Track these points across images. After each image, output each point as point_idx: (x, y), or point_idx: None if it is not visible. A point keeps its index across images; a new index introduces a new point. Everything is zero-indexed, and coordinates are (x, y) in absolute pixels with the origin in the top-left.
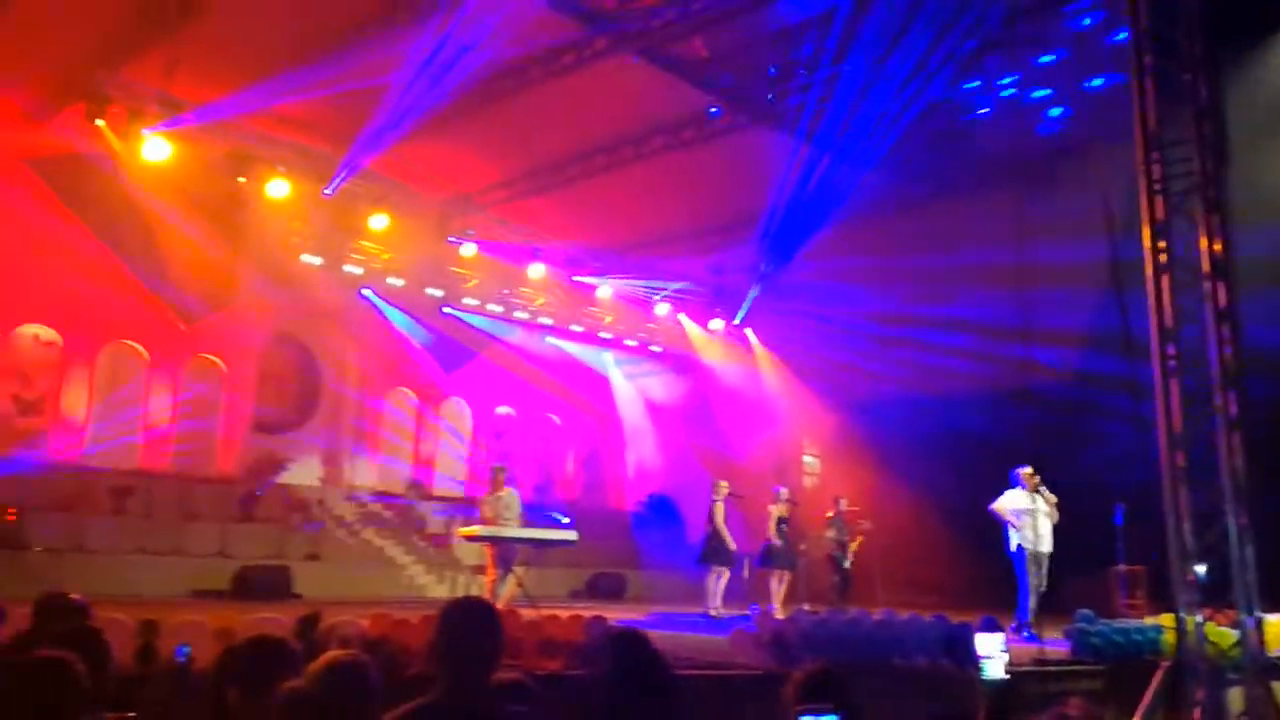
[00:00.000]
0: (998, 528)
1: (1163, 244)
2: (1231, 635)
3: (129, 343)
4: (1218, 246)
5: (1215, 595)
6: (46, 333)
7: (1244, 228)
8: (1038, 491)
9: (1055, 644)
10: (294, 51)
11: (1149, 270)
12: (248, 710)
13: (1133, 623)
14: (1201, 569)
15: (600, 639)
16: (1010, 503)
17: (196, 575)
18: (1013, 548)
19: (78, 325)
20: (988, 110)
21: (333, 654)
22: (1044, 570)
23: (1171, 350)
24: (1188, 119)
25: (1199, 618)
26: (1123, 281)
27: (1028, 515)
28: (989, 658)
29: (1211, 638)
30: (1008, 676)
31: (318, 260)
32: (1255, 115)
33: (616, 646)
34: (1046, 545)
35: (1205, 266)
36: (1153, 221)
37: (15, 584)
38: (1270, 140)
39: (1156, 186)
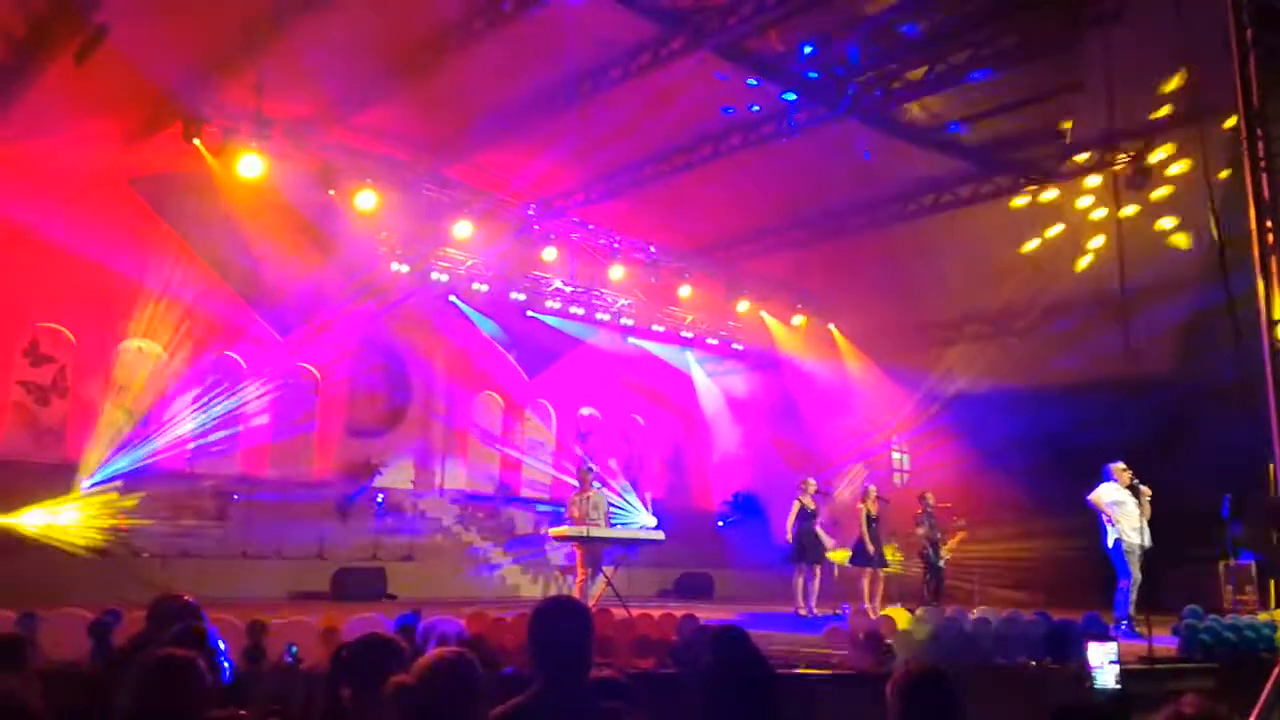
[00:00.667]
0: (1094, 524)
1: (1269, 223)
2: None
3: (228, 353)
4: None
5: None
6: (150, 346)
7: None
8: (1131, 486)
9: (1163, 641)
10: (378, 67)
11: (1255, 251)
12: (360, 705)
13: (1244, 619)
14: None
15: (703, 636)
16: (1106, 495)
17: (296, 577)
18: (1109, 543)
19: (179, 338)
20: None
21: (440, 650)
22: (1140, 565)
23: None
24: None
25: None
26: (1228, 264)
27: (1119, 508)
28: (1100, 668)
29: None
30: (1119, 686)
31: (405, 269)
32: None
33: (718, 643)
34: (1145, 539)
35: None
36: (1258, 200)
37: (127, 589)
38: None
39: (1261, 164)
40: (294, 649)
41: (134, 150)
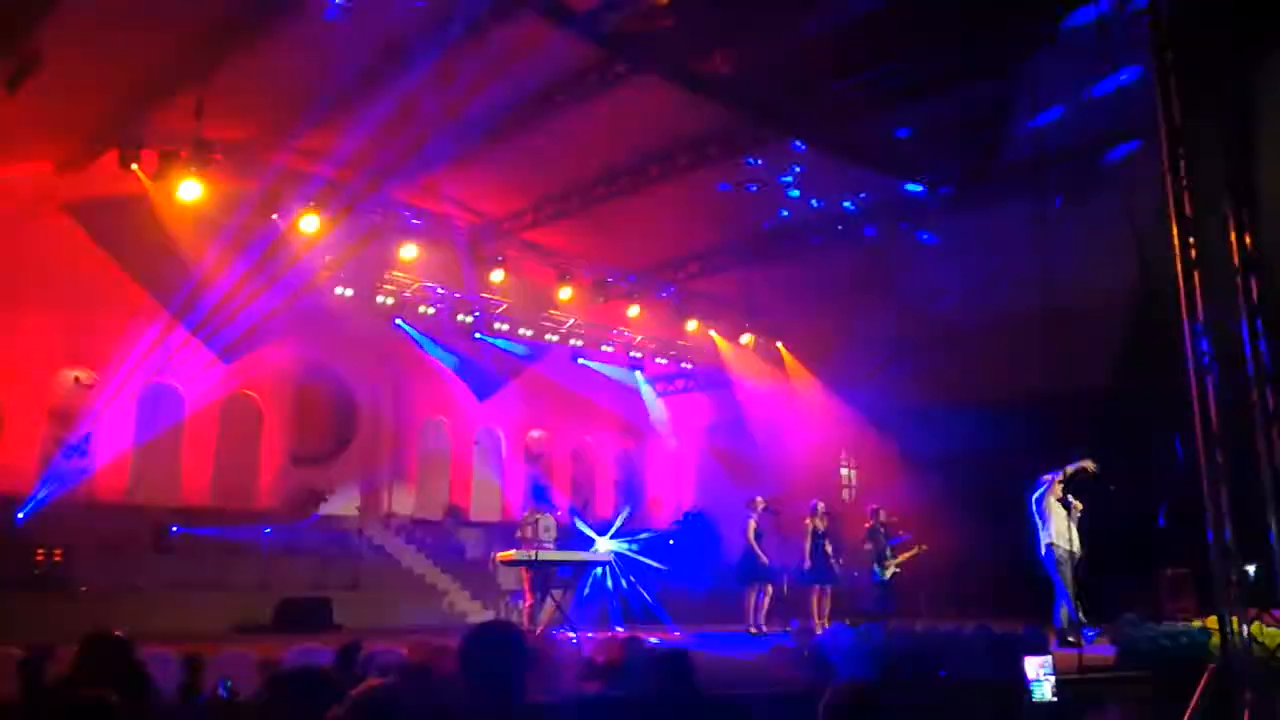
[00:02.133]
0: (1035, 536)
1: (1192, 240)
2: None
3: (168, 382)
4: (1248, 240)
5: (1264, 595)
6: (87, 374)
7: None
8: (1062, 499)
9: (1100, 650)
10: (320, 90)
11: (1179, 267)
12: None
13: (1181, 626)
14: (1250, 569)
15: (645, 659)
16: (1042, 500)
17: (239, 609)
18: (1041, 550)
19: (117, 366)
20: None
21: (368, 683)
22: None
23: (1205, 347)
24: (1212, 112)
25: (1244, 618)
26: (1153, 279)
27: (1051, 513)
28: (1037, 680)
29: (1259, 638)
30: (1055, 699)
31: (350, 292)
32: None
33: (662, 666)
34: (1075, 546)
35: (1236, 261)
36: (1181, 218)
37: (65, 624)
38: None
39: (1183, 182)
40: (228, 683)
41: (69, 176)
